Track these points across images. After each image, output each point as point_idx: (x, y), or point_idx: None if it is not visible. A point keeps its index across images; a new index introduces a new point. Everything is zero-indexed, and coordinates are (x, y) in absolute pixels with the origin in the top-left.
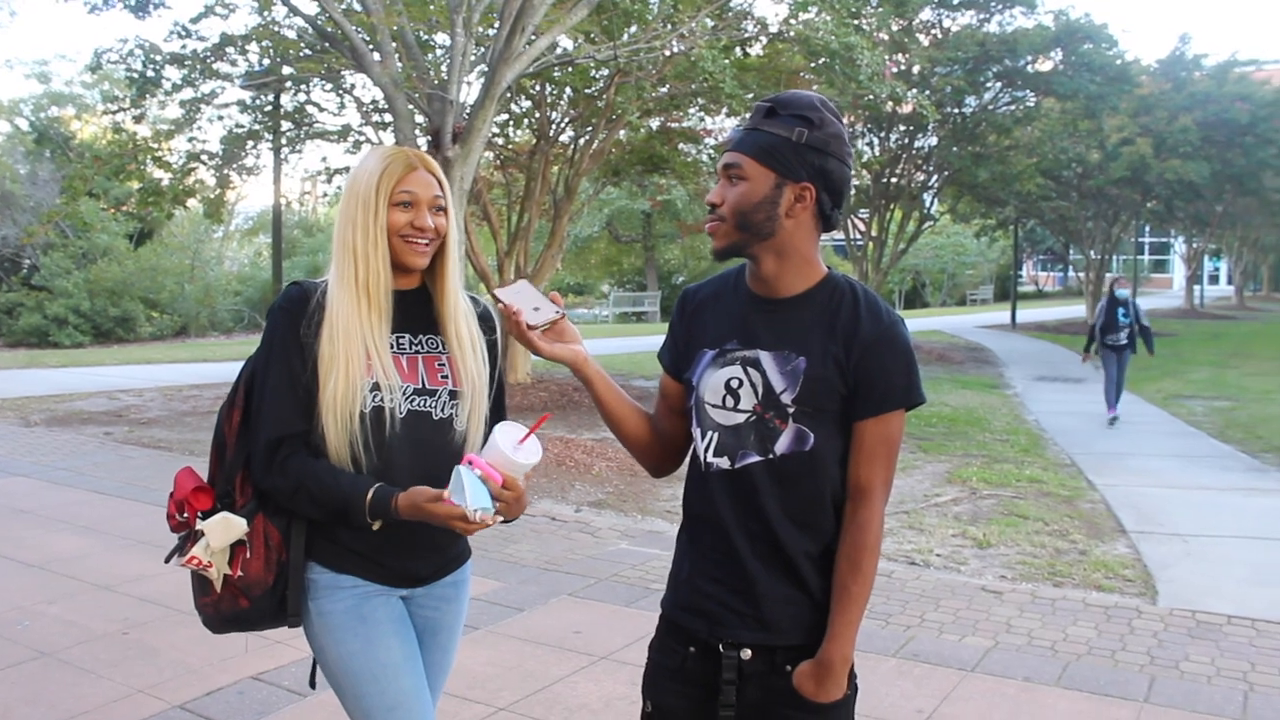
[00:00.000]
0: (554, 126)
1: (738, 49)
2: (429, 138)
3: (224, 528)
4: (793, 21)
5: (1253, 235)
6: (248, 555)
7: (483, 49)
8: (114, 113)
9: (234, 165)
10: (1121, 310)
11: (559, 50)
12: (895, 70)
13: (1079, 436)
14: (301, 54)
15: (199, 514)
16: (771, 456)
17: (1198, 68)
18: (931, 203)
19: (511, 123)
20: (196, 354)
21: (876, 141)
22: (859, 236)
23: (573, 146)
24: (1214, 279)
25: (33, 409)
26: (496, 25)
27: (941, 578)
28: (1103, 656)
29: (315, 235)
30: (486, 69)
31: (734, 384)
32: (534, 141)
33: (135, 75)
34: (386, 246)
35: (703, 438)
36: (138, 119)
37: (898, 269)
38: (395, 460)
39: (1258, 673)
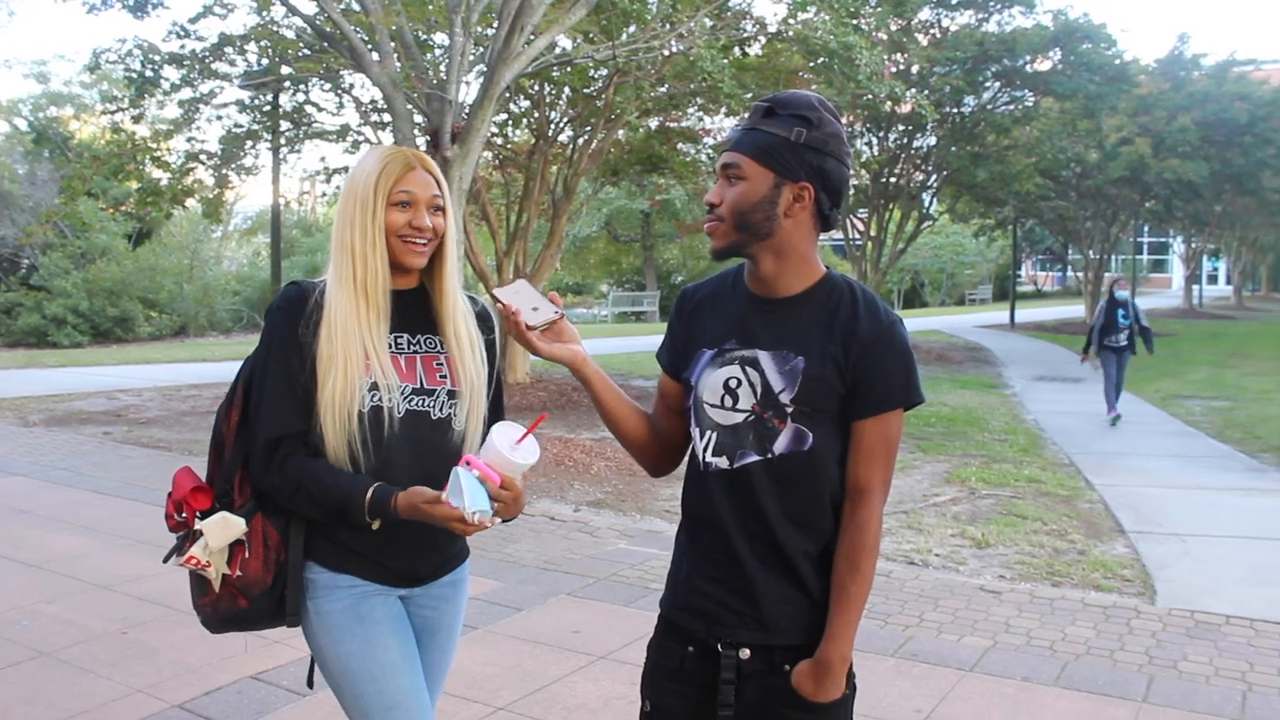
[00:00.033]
0: (553, 126)
1: (736, 49)
2: (428, 137)
3: (222, 527)
4: (791, 21)
5: (1251, 235)
6: (246, 555)
7: (481, 49)
8: (112, 112)
9: (232, 165)
10: (1121, 311)
11: (558, 50)
12: (894, 70)
13: (1077, 436)
14: (300, 54)
15: (197, 514)
16: (770, 456)
17: (1196, 67)
18: (930, 202)
19: (510, 122)
20: (195, 354)
21: (875, 141)
22: (858, 236)
23: (571, 146)
24: (1213, 279)
25: (31, 409)
26: (495, 25)
27: (940, 577)
28: (1101, 656)
29: (314, 235)
30: (485, 69)
31: (732, 384)
32: (533, 141)
33: (134, 75)
34: (385, 246)
35: (701, 437)
36: (136, 119)
37: (896, 269)
38: (394, 460)
39: (1256, 673)
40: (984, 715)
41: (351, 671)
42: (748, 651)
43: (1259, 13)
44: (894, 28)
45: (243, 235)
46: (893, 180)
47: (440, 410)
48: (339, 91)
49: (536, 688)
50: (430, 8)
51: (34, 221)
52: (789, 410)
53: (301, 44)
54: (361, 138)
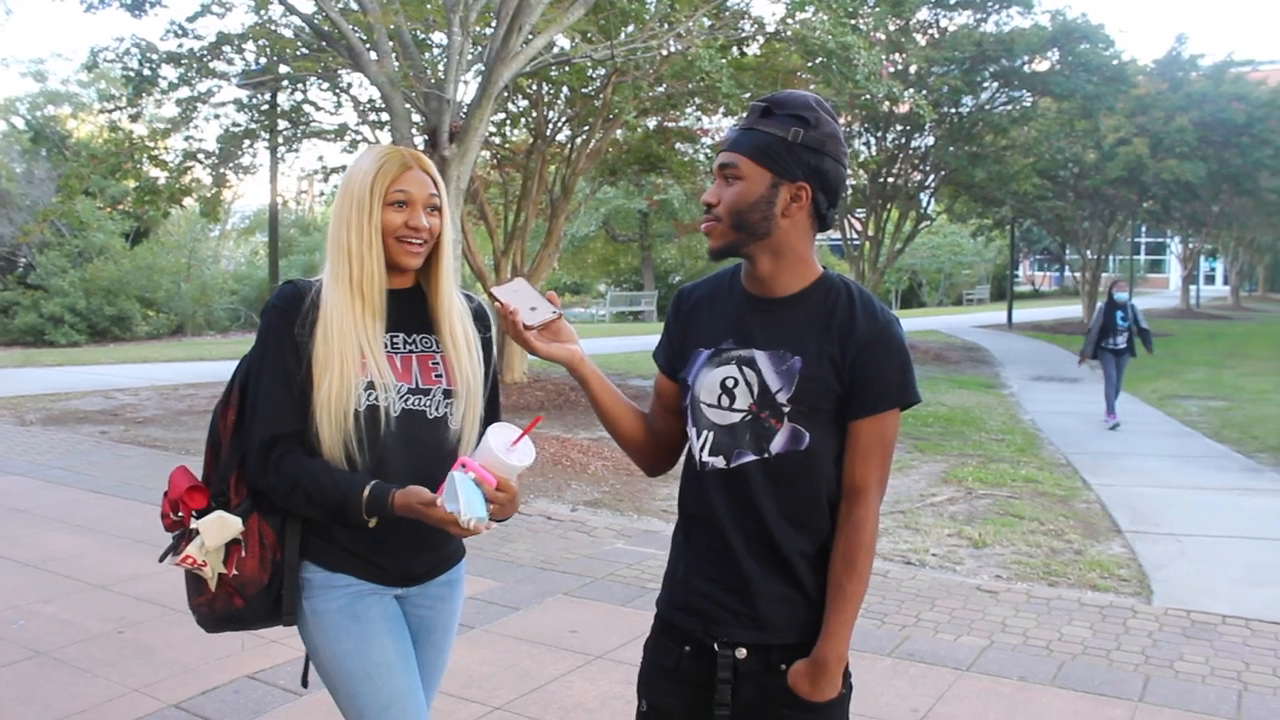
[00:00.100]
0: (551, 126)
1: (735, 48)
2: (426, 137)
3: (219, 526)
4: (790, 21)
5: (1249, 235)
6: (243, 554)
7: (480, 48)
8: (110, 111)
9: (230, 164)
10: (1120, 313)
11: (556, 49)
12: (892, 70)
13: (1075, 436)
14: (298, 53)
15: (194, 513)
16: (767, 456)
17: (1194, 68)
18: (928, 202)
19: (508, 122)
20: (192, 353)
21: (873, 141)
22: (856, 236)
23: (569, 146)
24: (1210, 279)
25: (28, 408)
26: (493, 24)
27: (937, 577)
28: (1098, 656)
29: (312, 234)
30: (483, 68)
31: (729, 383)
32: (531, 141)
33: (131, 74)
34: (381, 246)
35: (698, 437)
36: (134, 118)
37: (894, 269)
38: (389, 459)
39: (1252, 672)
40: (980, 715)
41: (347, 671)
42: (744, 651)
43: (1257, 14)
44: (892, 28)
45: (240, 234)
46: (890, 180)
47: (436, 410)
48: (337, 90)
49: (533, 687)
50: (428, 7)
51: (31, 220)
52: (786, 410)
53: (299, 43)
54: (359, 137)
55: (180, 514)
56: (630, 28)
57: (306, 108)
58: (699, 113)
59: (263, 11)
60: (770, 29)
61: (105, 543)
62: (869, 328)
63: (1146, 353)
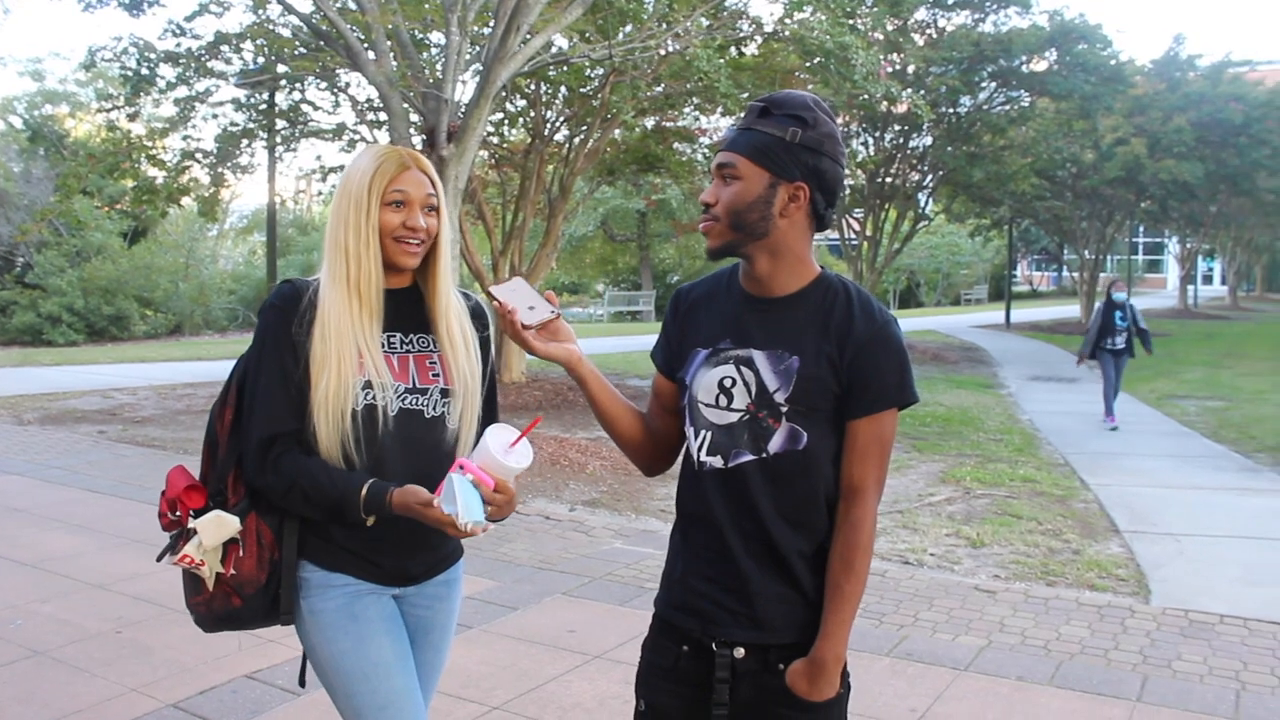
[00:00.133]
0: (549, 125)
1: (733, 48)
2: (424, 136)
3: (216, 525)
4: (788, 21)
5: (1246, 235)
6: (240, 554)
7: (478, 48)
8: (108, 110)
9: (228, 163)
10: (1119, 313)
11: (554, 49)
12: (890, 70)
13: (1072, 436)
14: (296, 52)
15: (191, 512)
16: (765, 455)
17: (1192, 68)
18: (926, 202)
19: (506, 122)
20: (191, 352)
21: (871, 141)
22: (854, 236)
23: (568, 145)
24: (1208, 279)
25: (26, 407)
26: (491, 24)
27: (935, 577)
28: (1096, 656)
29: (310, 234)
30: (481, 68)
31: (727, 383)
32: (529, 140)
33: (129, 73)
34: (378, 246)
35: (696, 437)
36: (132, 117)
37: (892, 269)
38: (387, 458)
39: (1250, 672)
40: (979, 714)
41: (344, 670)
42: (742, 650)
43: (1254, 14)
44: (890, 28)
45: (238, 234)
46: (889, 180)
47: (434, 409)
48: (335, 90)
49: (532, 687)
50: (426, 6)
51: (29, 219)
52: (784, 410)
53: (297, 42)
54: (357, 136)
55: (178, 513)
56: (628, 27)
57: (304, 107)
58: (697, 113)
59: (261, 11)
60: (768, 29)
61: (103, 542)
62: (867, 327)
63: (1146, 354)
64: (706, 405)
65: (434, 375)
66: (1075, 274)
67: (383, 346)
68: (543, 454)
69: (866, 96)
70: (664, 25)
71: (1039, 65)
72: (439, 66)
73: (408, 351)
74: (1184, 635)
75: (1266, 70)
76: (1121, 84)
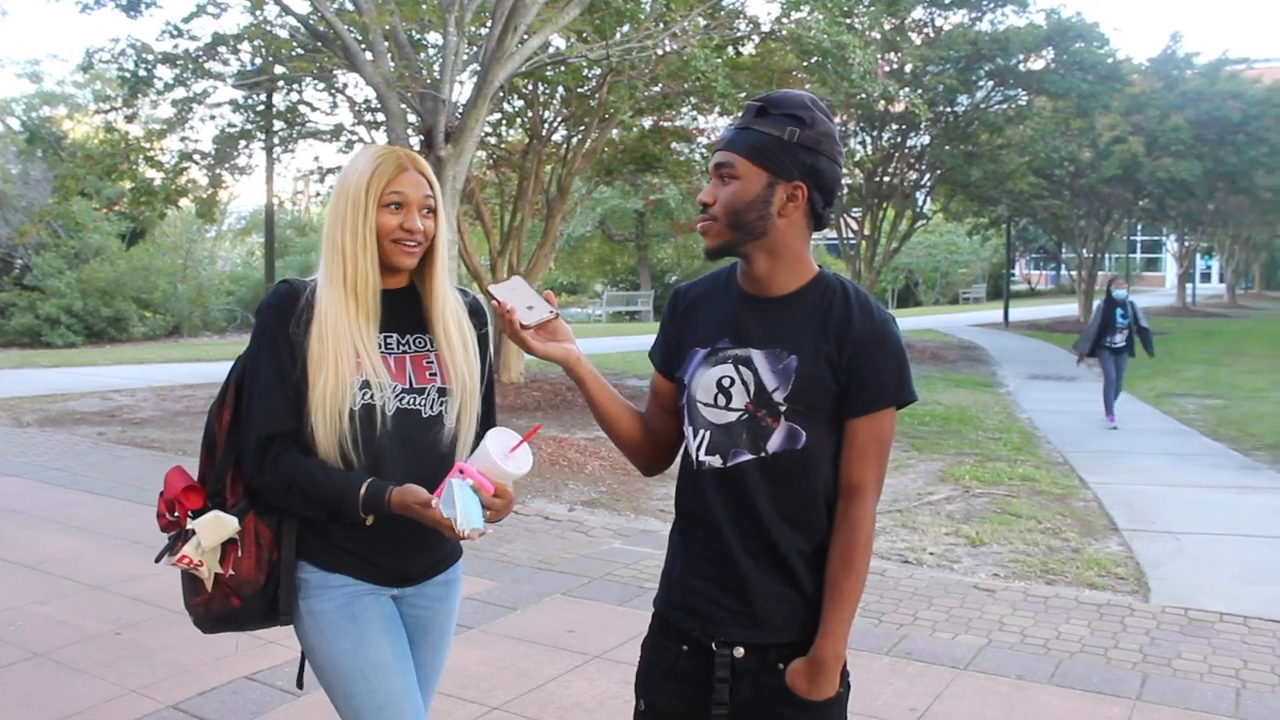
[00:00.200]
0: (547, 126)
1: (730, 48)
2: (421, 137)
3: (215, 526)
4: (785, 20)
5: (1244, 233)
6: (239, 554)
7: (475, 48)
8: (106, 112)
9: (226, 165)
10: (1120, 311)
11: (551, 49)
12: (887, 69)
13: (1071, 435)
14: (294, 53)
15: (190, 513)
16: (764, 455)
17: (1189, 66)
18: (924, 201)
19: (504, 122)
20: (189, 354)
21: (869, 140)
22: (852, 235)
23: (565, 145)
24: (1206, 277)
25: (25, 409)
26: (489, 24)
27: (934, 576)
28: (1095, 654)
29: (308, 235)
30: (479, 68)
31: (726, 383)
32: (527, 141)
33: (127, 75)
34: (375, 247)
35: (695, 436)
36: (130, 118)
37: (890, 268)
38: (385, 458)
39: (1250, 670)
40: (978, 713)
41: (343, 671)
42: (742, 650)
43: (1251, 12)
44: (887, 27)
45: (236, 235)
46: (886, 179)
47: (431, 408)
48: (333, 91)
49: (531, 687)
50: (424, 7)
51: (27, 221)
52: (782, 409)
53: (295, 43)
54: (355, 137)
55: (176, 514)
56: (625, 27)
57: (302, 108)
58: (694, 112)
59: (258, 12)
60: (765, 28)
61: (102, 544)
62: (865, 326)
63: (1148, 355)
64: (705, 405)
65: (431, 375)
66: (1073, 272)
67: (380, 347)
68: (542, 454)
69: (864, 96)
70: (661, 25)
71: (1036, 64)
72: (436, 67)
73: (404, 352)
74: (1184, 633)
75: (1264, 68)
76: (1119, 82)
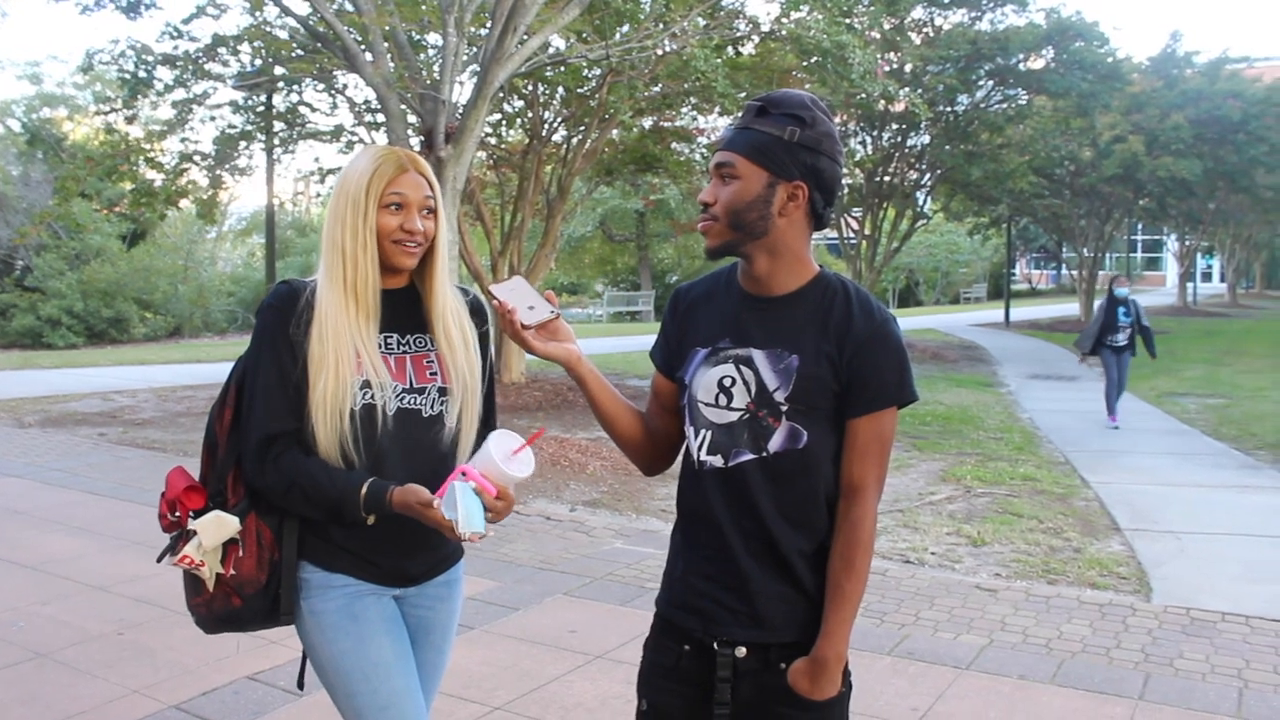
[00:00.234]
0: (547, 126)
1: (730, 48)
2: (422, 138)
3: (216, 526)
4: (784, 20)
5: (1245, 232)
6: (240, 554)
7: (475, 49)
8: (106, 113)
9: (226, 166)
10: (1122, 309)
11: (551, 50)
12: (887, 69)
13: (1073, 434)
14: (293, 54)
15: (191, 513)
16: (765, 454)
17: (1189, 65)
18: (924, 201)
19: (504, 122)
20: (190, 355)
21: (869, 140)
22: (852, 235)
23: (565, 146)
24: (1206, 276)
25: (26, 410)
26: (488, 25)
27: (936, 576)
28: (1097, 654)
29: (308, 235)
30: (479, 69)
31: (727, 382)
32: (527, 141)
33: (127, 76)
34: (375, 248)
35: (696, 436)
36: (130, 120)
37: (891, 267)
38: (386, 458)
39: (1252, 669)
40: (980, 713)
41: (345, 671)
42: (743, 649)
43: (1251, 10)
44: (887, 26)
45: (237, 236)
46: (887, 179)
47: (431, 408)
48: (332, 92)
49: (533, 687)
50: (423, 8)
51: (28, 223)
52: (784, 408)
53: (295, 44)
54: (355, 138)
55: (177, 514)
56: (625, 28)
57: (302, 109)
58: (695, 112)
59: (258, 13)
60: (765, 28)
61: (104, 544)
62: (866, 326)
63: (1150, 356)
64: (706, 404)
65: (431, 374)
66: (1074, 272)
67: (380, 347)
68: (543, 454)
69: (864, 95)
70: (661, 25)
71: (1036, 63)
72: (436, 68)
73: (405, 352)
74: (1186, 633)
75: (1264, 67)
76: (1119, 81)
